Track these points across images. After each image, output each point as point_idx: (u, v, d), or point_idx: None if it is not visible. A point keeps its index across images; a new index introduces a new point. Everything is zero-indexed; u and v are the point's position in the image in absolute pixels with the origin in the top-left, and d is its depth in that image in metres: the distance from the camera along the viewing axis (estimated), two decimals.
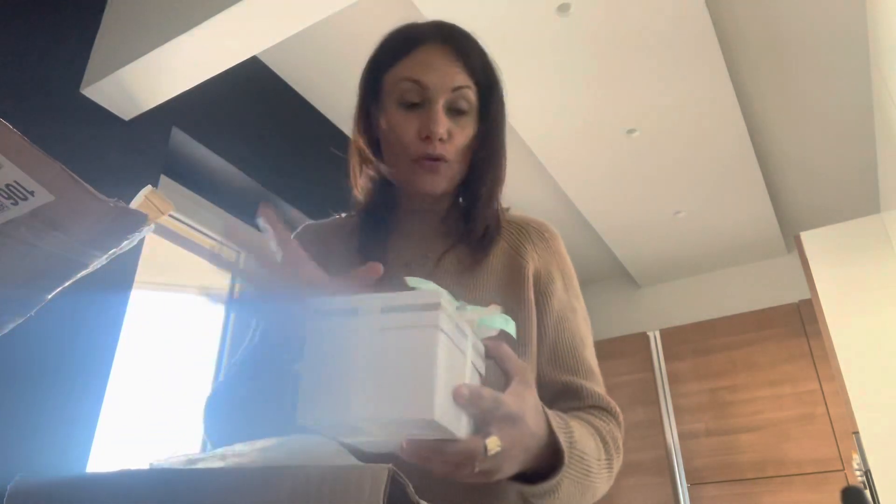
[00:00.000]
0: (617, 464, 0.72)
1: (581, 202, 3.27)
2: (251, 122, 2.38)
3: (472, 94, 0.82)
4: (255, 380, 0.72)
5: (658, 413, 3.50)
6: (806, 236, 3.11)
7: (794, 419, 3.22)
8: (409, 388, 0.45)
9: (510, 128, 3.05)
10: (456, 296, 0.71)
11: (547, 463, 0.60)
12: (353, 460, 0.52)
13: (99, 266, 0.50)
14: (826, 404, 3.17)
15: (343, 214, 0.93)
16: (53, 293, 0.49)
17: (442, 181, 0.80)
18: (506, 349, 0.55)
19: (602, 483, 0.68)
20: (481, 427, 0.52)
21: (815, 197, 3.54)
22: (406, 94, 0.80)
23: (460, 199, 0.88)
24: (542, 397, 0.63)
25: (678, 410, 3.50)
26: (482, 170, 0.84)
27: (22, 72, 1.67)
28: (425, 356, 0.46)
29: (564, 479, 0.61)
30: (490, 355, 0.56)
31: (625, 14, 2.18)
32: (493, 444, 0.50)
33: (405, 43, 0.84)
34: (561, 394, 0.77)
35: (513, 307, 0.78)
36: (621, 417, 0.76)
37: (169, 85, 1.84)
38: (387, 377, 0.46)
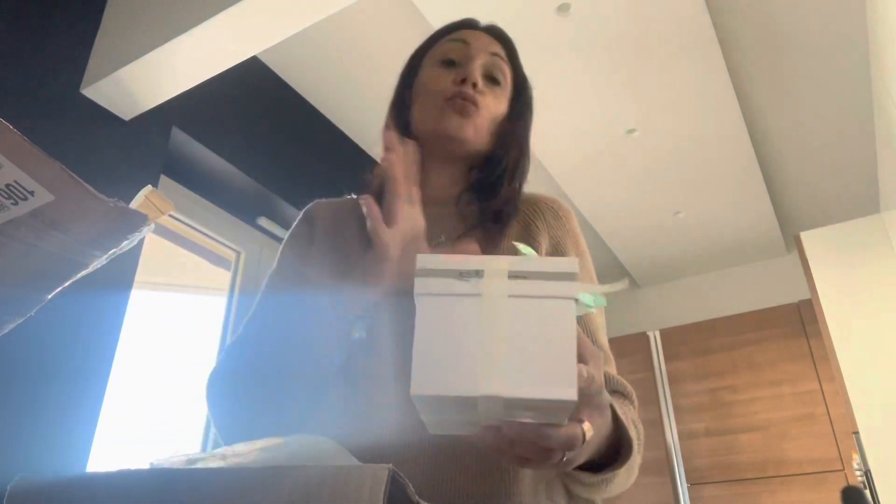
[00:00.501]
0: (643, 449, 0.71)
1: (581, 202, 3.27)
2: (251, 122, 2.38)
3: (507, 69, 0.86)
4: (268, 369, 0.70)
5: (658, 413, 3.50)
6: (806, 236, 3.11)
7: (794, 419, 3.22)
8: (548, 366, 0.41)
9: None
10: None
11: (605, 454, 0.60)
12: (353, 460, 0.52)
13: (99, 266, 0.50)
14: (826, 404, 3.17)
15: (356, 196, 0.91)
16: (53, 293, 0.50)
17: (469, 127, 0.80)
18: (583, 337, 0.51)
19: (636, 468, 0.69)
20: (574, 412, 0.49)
21: (815, 197, 3.54)
22: (448, 52, 0.85)
23: (479, 184, 0.86)
24: None
25: (678, 410, 3.50)
26: (507, 154, 0.84)
27: (22, 72, 1.67)
28: (564, 331, 0.42)
29: (622, 469, 0.61)
30: None
31: (625, 14, 2.18)
32: (588, 430, 0.48)
33: (449, 27, 0.90)
34: None
35: None
36: (636, 402, 0.76)
37: (169, 85, 1.84)
38: (522, 351, 0.41)
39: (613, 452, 0.61)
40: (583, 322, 0.77)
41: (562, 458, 0.48)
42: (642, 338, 3.74)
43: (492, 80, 0.84)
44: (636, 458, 0.65)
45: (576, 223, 0.86)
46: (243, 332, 0.78)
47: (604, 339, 0.78)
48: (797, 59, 2.56)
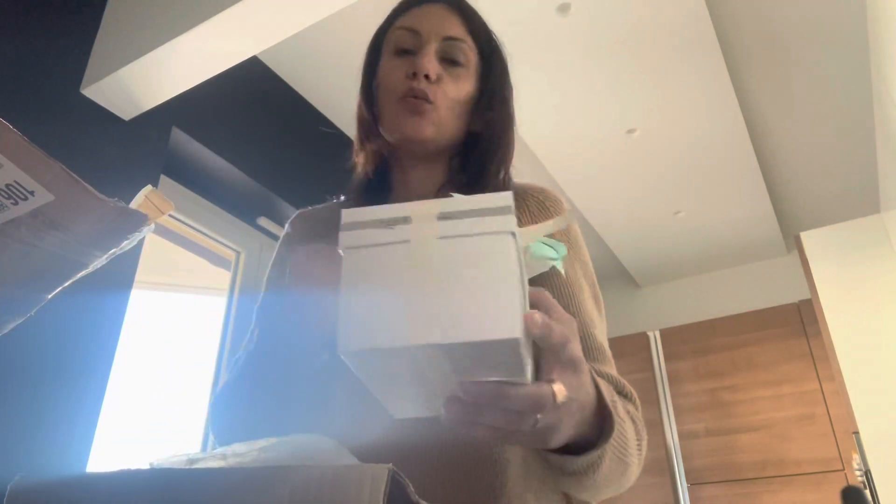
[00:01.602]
0: (644, 449, 0.66)
1: (581, 202, 3.27)
2: (251, 122, 2.38)
3: (468, 50, 0.79)
4: (264, 379, 0.70)
5: (658, 413, 3.50)
6: (806, 236, 3.11)
7: (794, 419, 3.22)
8: (487, 306, 0.37)
9: None
10: None
11: (589, 433, 0.54)
12: (353, 460, 0.52)
13: (99, 266, 0.50)
14: (826, 404, 3.17)
15: (339, 199, 0.91)
16: (53, 293, 0.50)
17: (426, 125, 0.75)
18: (549, 297, 0.46)
19: (635, 466, 0.63)
20: (541, 373, 0.45)
21: (815, 197, 3.54)
22: (399, 41, 0.79)
23: (461, 176, 0.82)
24: None
25: (678, 410, 3.50)
26: (488, 140, 0.80)
27: (22, 72, 1.67)
28: (502, 265, 0.38)
29: (608, 452, 0.55)
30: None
31: (625, 14, 2.18)
32: (560, 391, 0.43)
33: (407, 3, 0.84)
34: None
35: None
36: (637, 399, 0.71)
37: (169, 85, 1.84)
38: (457, 295, 0.37)
39: (600, 433, 0.56)
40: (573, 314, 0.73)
41: (534, 424, 0.42)
42: (642, 338, 3.74)
43: (451, 62, 0.78)
44: (630, 449, 0.60)
45: (566, 211, 0.81)
46: (238, 365, 0.76)
47: (597, 334, 0.74)
48: (797, 59, 2.56)
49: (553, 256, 0.48)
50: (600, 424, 0.55)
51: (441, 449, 0.64)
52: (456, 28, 0.80)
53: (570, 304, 0.73)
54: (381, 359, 0.39)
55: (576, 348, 0.46)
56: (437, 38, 0.78)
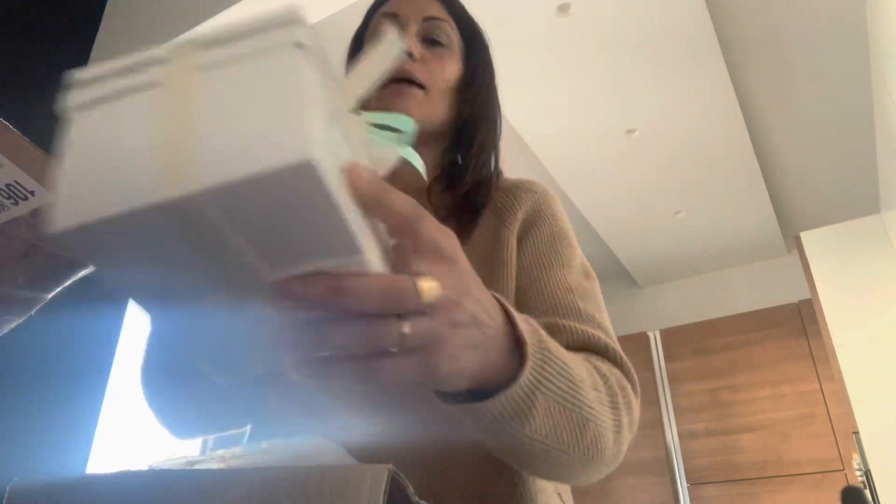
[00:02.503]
0: (627, 418, 0.53)
1: (581, 202, 3.27)
2: None
3: (450, 30, 0.77)
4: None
5: (658, 413, 3.50)
6: (806, 236, 3.11)
7: (794, 419, 3.22)
8: (262, 131, 0.27)
9: (510, 127, 3.04)
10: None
11: (509, 375, 0.42)
12: (353, 460, 0.52)
13: None
14: (826, 404, 3.17)
15: None
16: (53, 293, 0.49)
17: (412, 107, 0.71)
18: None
19: (608, 428, 0.49)
20: (400, 266, 0.34)
21: (815, 197, 3.54)
22: (380, 27, 0.77)
23: (448, 171, 0.78)
24: None
25: (678, 410, 3.50)
26: (472, 128, 0.76)
27: (22, 72, 1.67)
28: (285, 84, 0.28)
29: (539, 393, 0.43)
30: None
31: (625, 14, 2.18)
32: (427, 285, 0.32)
33: None
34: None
35: (491, 285, 0.69)
36: (631, 370, 0.59)
37: None
38: (219, 131, 0.27)
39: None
40: (541, 286, 0.66)
41: (402, 337, 0.32)
42: (642, 338, 3.74)
43: (433, 42, 0.75)
44: (586, 398, 0.47)
45: (552, 203, 0.76)
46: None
47: (576, 300, 0.65)
48: (797, 60, 2.56)
49: (394, 136, 0.36)
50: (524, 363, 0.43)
51: (438, 450, 0.61)
52: (435, 9, 0.77)
53: (534, 283, 0.67)
54: (125, 237, 0.27)
55: (440, 233, 0.35)
56: (416, 19, 0.76)
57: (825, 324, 2.88)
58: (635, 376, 0.59)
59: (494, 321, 0.40)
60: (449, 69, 0.75)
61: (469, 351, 0.37)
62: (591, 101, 2.59)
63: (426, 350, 0.34)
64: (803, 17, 2.35)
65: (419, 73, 0.72)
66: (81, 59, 1.85)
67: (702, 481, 3.32)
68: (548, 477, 0.57)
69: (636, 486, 3.38)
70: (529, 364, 0.42)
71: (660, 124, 2.74)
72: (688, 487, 3.33)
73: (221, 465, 0.49)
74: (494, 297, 0.42)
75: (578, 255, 0.74)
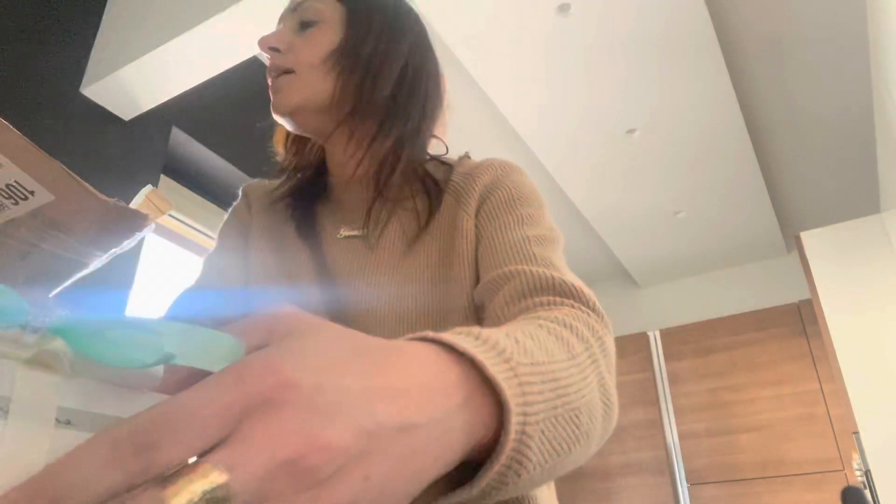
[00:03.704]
0: (604, 362, 0.45)
1: (581, 202, 3.27)
2: (251, 122, 2.38)
3: (318, 3, 0.73)
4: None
5: (658, 413, 3.50)
6: (806, 236, 3.11)
7: (794, 419, 3.22)
8: None
9: (509, 127, 3.04)
10: (400, 279, 0.65)
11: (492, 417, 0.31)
12: None
13: (99, 266, 0.50)
14: (826, 404, 3.17)
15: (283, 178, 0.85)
16: (53, 293, 0.49)
17: (281, 98, 0.69)
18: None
19: (591, 390, 0.40)
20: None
21: (815, 197, 3.54)
22: None
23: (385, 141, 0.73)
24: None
25: (678, 410, 3.50)
26: (373, 94, 0.70)
27: (22, 72, 1.67)
28: None
29: (529, 427, 0.32)
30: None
31: (625, 14, 2.18)
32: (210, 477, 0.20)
33: None
34: (483, 298, 0.60)
35: (447, 278, 0.65)
36: (593, 301, 0.53)
37: (169, 85, 1.84)
38: None
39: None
40: (496, 241, 0.63)
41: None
42: (642, 338, 3.74)
43: (303, 25, 0.72)
44: (568, 378, 0.37)
45: (515, 176, 0.71)
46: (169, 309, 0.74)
47: (533, 247, 0.60)
48: (797, 59, 2.56)
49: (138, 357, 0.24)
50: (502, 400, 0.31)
51: None
52: None
53: (489, 240, 0.64)
54: None
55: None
56: (288, 14, 0.75)
57: (825, 324, 2.88)
58: (599, 307, 0.53)
59: (430, 406, 0.27)
60: (317, 43, 0.71)
61: (406, 463, 0.25)
62: (591, 101, 2.59)
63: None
64: (803, 17, 2.35)
65: (281, 61, 0.70)
66: (82, 59, 1.85)
67: (702, 481, 3.32)
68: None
69: (636, 486, 3.38)
70: (513, 414, 0.31)
71: (660, 124, 2.74)
72: (688, 487, 3.33)
73: None
74: (426, 342, 0.31)
75: (546, 219, 0.67)
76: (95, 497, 0.19)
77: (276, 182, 0.84)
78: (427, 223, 0.68)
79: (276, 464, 0.21)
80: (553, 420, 0.35)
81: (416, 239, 0.68)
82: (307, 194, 0.78)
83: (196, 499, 0.19)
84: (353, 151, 0.72)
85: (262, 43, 0.71)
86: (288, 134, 0.82)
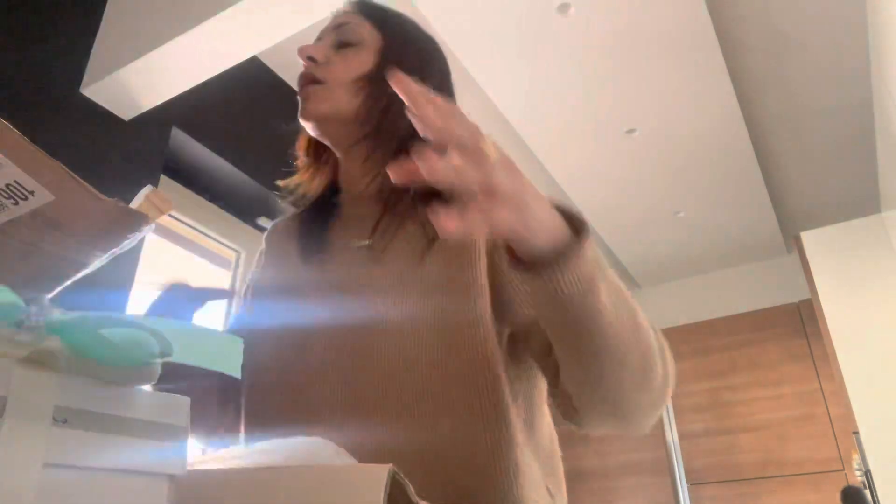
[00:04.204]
0: (662, 363, 0.58)
1: (581, 202, 3.27)
2: (251, 122, 2.38)
3: (357, 26, 0.77)
4: None
5: None
6: (806, 236, 3.11)
7: (794, 419, 3.22)
8: None
9: (509, 126, 3.03)
10: (407, 292, 0.67)
11: (569, 253, 0.48)
12: (353, 460, 0.52)
13: (99, 266, 0.50)
14: (826, 404, 3.17)
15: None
16: (53, 293, 0.49)
17: (311, 106, 0.74)
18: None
19: (651, 338, 0.57)
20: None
21: (815, 197, 3.54)
22: None
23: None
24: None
25: (678, 410, 3.50)
26: (392, 117, 0.73)
27: (22, 72, 1.67)
28: None
29: (599, 270, 0.50)
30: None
31: (625, 14, 2.18)
32: (491, 146, 0.43)
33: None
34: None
35: (456, 288, 0.67)
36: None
37: (169, 85, 1.84)
38: None
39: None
40: None
41: (489, 173, 0.42)
42: None
43: (343, 45, 0.77)
44: (625, 293, 0.54)
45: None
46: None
47: None
48: (797, 59, 2.56)
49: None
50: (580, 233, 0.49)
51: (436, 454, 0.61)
52: (346, 16, 0.80)
53: None
54: None
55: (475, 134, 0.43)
56: (329, 32, 0.79)
57: (825, 324, 2.88)
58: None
59: (551, 209, 0.48)
60: (352, 63, 0.75)
61: (539, 202, 0.46)
62: (591, 100, 2.59)
63: (509, 197, 0.43)
64: (803, 17, 2.35)
65: (316, 71, 0.75)
66: (82, 59, 1.85)
67: (702, 481, 3.32)
68: (607, 393, 0.56)
69: (636, 486, 3.38)
70: (588, 232, 0.49)
71: (660, 124, 2.74)
72: (688, 487, 3.33)
73: (221, 466, 0.49)
74: None
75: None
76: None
77: (290, 216, 0.89)
78: (435, 236, 0.70)
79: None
80: (616, 293, 0.52)
81: (423, 252, 0.69)
82: (317, 214, 0.82)
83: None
84: (370, 168, 0.76)
85: (302, 51, 0.76)
86: (310, 140, 0.86)
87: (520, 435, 0.64)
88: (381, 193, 0.75)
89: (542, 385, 0.72)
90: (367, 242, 0.73)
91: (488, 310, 0.66)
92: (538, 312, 0.56)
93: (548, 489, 0.67)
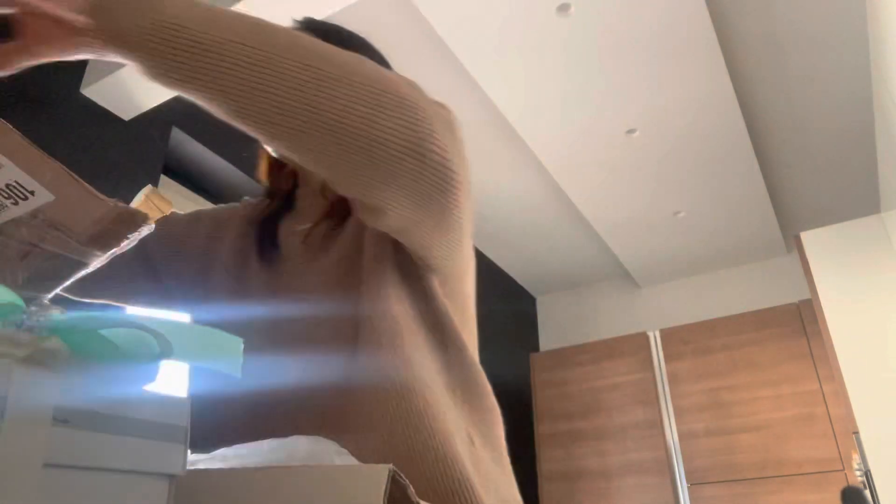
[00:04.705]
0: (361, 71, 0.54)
1: (581, 202, 3.27)
2: None
3: None
4: None
5: (658, 413, 3.50)
6: (806, 236, 3.11)
7: (794, 419, 3.22)
8: None
9: (509, 127, 3.04)
10: (311, 281, 0.68)
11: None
12: (353, 460, 0.52)
13: (99, 266, 0.50)
14: (826, 404, 3.17)
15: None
16: (53, 293, 0.49)
17: None
18: None
19: (276, 37, 0.54)
20: None
21: (815, 197, 3.54)
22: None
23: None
24: None
25: (678, 410, 3.50)
26: None
27: (22, 72, 1.67)
28: None
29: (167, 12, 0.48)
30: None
31: (625, 14, 2.18)
32: None
33: None
34: None
35: (354, 283, 0.67)
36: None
37: None
38: None
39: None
40: None
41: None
42: (642, 338, 3.74)
43: None
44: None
45: None
46: None
47: None
48: (797, 59, 2.56)
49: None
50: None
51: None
52: None
53: None
54: None
55: None
56: None
57: (825, 324, 2.88)
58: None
59: None
60: None
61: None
62: (591, 101, 2.59)
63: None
64: (803, 16, 2.35)
65: None
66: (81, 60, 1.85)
67: (702, 481, 3.32)
68: (300, 123, 0.53)
69: (636, 486, 3.38)
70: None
71: (660, 124, 2.74)
72: (688, 487, 3.33)
73: (223, 465, 0.49)
74: None
75: None
76: None
77: (257, 202, 0.88)
78: (335, 229, 0.72)
79: None
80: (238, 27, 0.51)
81: (330, 242, 0.72)
82: (278, 208, 0.83)
83: None
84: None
85: None
86: (269, 160, 0.86)
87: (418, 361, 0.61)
88: (325, 189, 0.78)
89: (453, 315, 0.69)
90: (306, 226, 0.75)
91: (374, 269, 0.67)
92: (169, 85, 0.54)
93: (469, 435, 0.62)
